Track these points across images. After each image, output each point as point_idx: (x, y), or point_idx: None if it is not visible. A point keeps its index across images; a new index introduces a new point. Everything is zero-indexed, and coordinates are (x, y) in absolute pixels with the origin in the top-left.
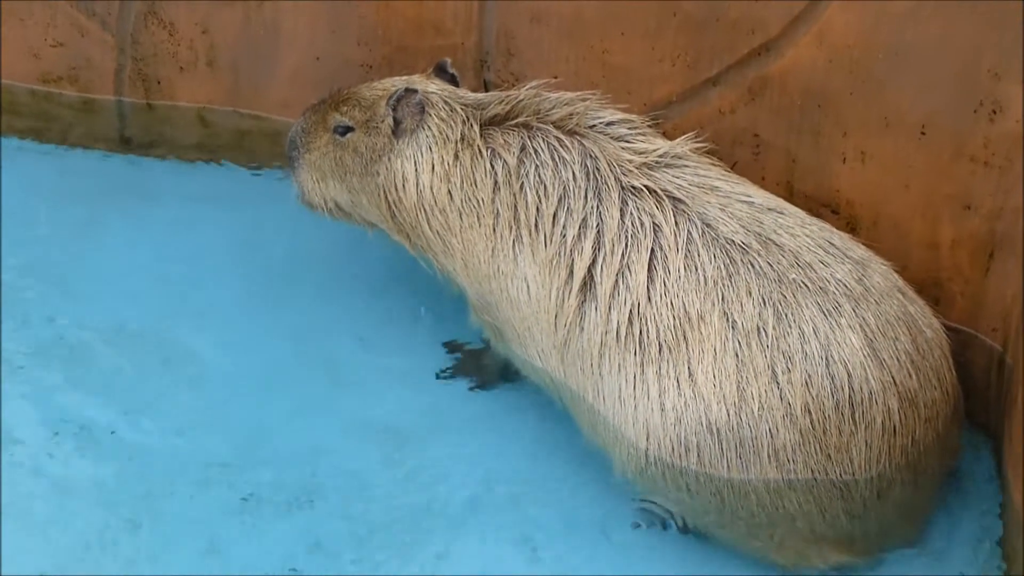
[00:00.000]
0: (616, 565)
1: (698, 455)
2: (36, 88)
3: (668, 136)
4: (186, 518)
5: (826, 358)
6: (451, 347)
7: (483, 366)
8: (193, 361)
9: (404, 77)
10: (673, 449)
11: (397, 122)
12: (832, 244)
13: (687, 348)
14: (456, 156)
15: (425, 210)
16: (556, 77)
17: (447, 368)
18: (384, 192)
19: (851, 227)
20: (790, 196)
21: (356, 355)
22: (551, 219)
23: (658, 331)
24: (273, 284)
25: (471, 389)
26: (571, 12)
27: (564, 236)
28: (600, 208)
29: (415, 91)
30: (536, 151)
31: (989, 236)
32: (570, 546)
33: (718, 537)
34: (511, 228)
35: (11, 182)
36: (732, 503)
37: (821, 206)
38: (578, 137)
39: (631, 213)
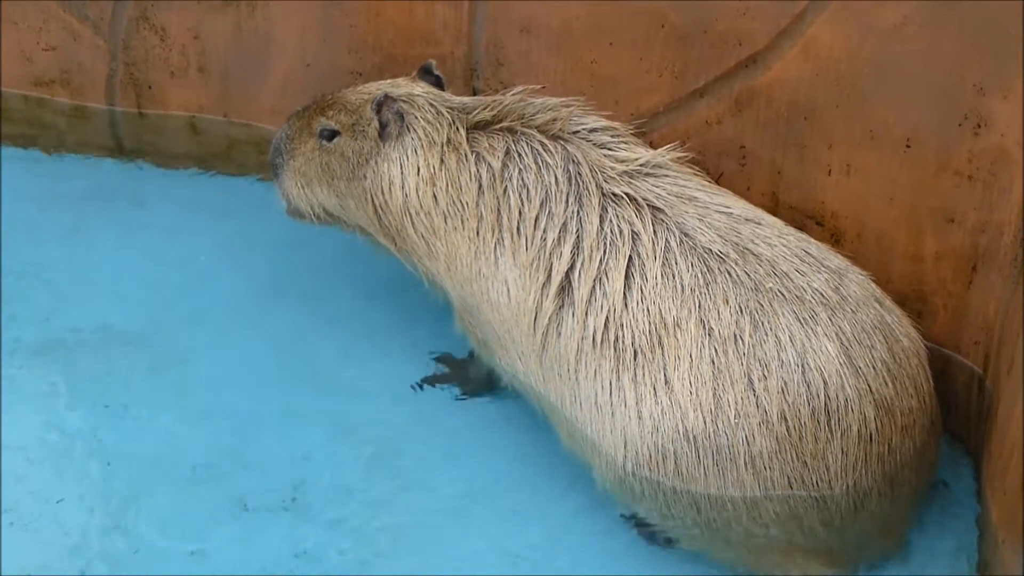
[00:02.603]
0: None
1: (675, 463)
2: (29, 94)
3: (655, 146)
4: (171, 521)
5: (802, 366)
6: (436, 356)
7: (468, 375)
8: (180, 366)
9: (390, 80)
10: (650, 457)
11: (383, 125)
12: (809, 254)
13: (663, 355)
14: (442, 160)
15: (410, 213)
16: (544, 87)
17: (432, 376)
18: (371, 195)
19: (835, 239)
20: (775, 208)
21: (341, 363)
22: (533, 223)
23: (634, 337)
24: (260, 291)
25: (456, 398)
26: (560, 23)
27: (544, 240)
28: (580, 213)
29: (395, 97)
30: (520, 155)
31: (972, 250)
32: (552, 555)
33: (696, 548)
34: (494, 231)
35: (2, 187)
36: (709, 512)
37: (806, 218)
38: (561, 142)
39: (610, 220)
